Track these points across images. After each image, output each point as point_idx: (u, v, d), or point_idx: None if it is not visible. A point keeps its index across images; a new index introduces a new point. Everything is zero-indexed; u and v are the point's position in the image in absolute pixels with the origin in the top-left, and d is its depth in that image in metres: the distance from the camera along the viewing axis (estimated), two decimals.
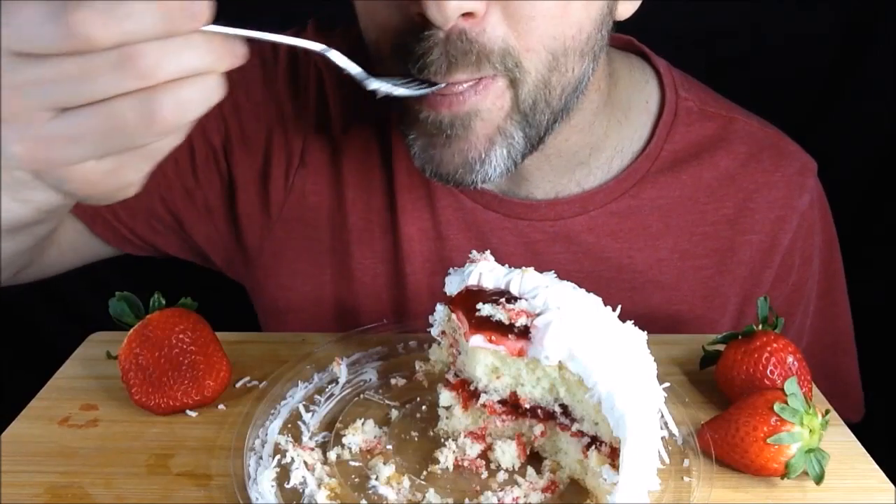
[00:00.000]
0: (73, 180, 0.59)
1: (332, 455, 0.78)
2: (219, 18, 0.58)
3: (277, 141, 1.09)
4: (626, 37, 1.10)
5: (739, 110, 1.11)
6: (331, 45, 1.10)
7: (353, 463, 0.78)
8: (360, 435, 0.80)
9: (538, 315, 0.72)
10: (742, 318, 1.08)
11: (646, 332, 0.74)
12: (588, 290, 1.04)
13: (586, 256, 1.05)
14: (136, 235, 1.12)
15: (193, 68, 0.55)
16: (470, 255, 0.81)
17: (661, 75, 1.08)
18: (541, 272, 1.06)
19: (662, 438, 0.73)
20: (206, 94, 0.57)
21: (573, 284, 0.77)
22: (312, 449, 0.79)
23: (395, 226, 1.07)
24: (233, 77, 0.58)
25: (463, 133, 0.82)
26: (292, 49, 1.09)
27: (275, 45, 1.09)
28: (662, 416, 0.74)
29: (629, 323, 0.75)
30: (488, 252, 0.81)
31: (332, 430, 0.82)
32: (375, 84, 0.71)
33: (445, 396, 0.81)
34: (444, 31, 0.76)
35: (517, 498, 0.73)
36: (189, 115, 0.56)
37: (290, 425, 0.83)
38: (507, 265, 0.80)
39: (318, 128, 1.09)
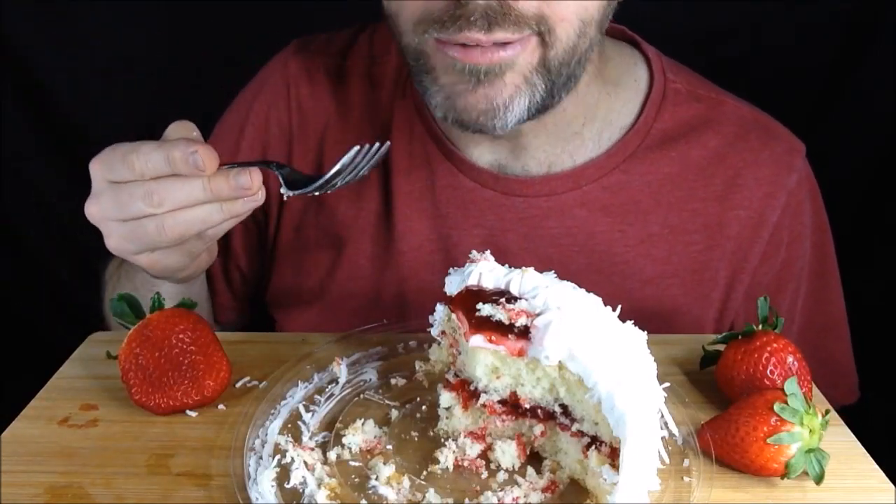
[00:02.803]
0: (139, 263, 0.88)
1: (332, 455, 0.78)
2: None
3: (273, 130, 1.14)
4: (619, 26, 1.13)
5: (728, 94, 1.14)
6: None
7: (353, 463, 0.78)
8: (360, 435, 0.80)
9: (538, 315, 0.72)
10: (732, 294, 1.10)
11: (645, 332, 0.74)
12: (580, 264, 1.07)
13: (580, 230, 1.08)
14: None
15: (192, 200, 0.79)
16: (470, 255, 0.81)
17: (651, 60, 1.12)
18: (535, 246, 1.07)
19: (662, 438, 0.73)
20: (202, 218, 0.81)
21: (573, 284, 0.77)
22: (312, 449, 0.79)
23: (390, 207, 1.10)
24: None
25: (493, 80, 0.89)
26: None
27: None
28: (662, 416, 0.74)
29: (629, 323, 0.75)
30: (488, 252, 0.81)
31: (332, 430, 0.82)
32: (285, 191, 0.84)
33: (445, 397, 0.81)
34: (485, 2, 0.84)
35: (517, 498, 0.73)
36: (189, 231, 0.81)
37: (290, 425, 0.83)
38: (504, 258, 0.81)
39: (310, 118, 1.14)
